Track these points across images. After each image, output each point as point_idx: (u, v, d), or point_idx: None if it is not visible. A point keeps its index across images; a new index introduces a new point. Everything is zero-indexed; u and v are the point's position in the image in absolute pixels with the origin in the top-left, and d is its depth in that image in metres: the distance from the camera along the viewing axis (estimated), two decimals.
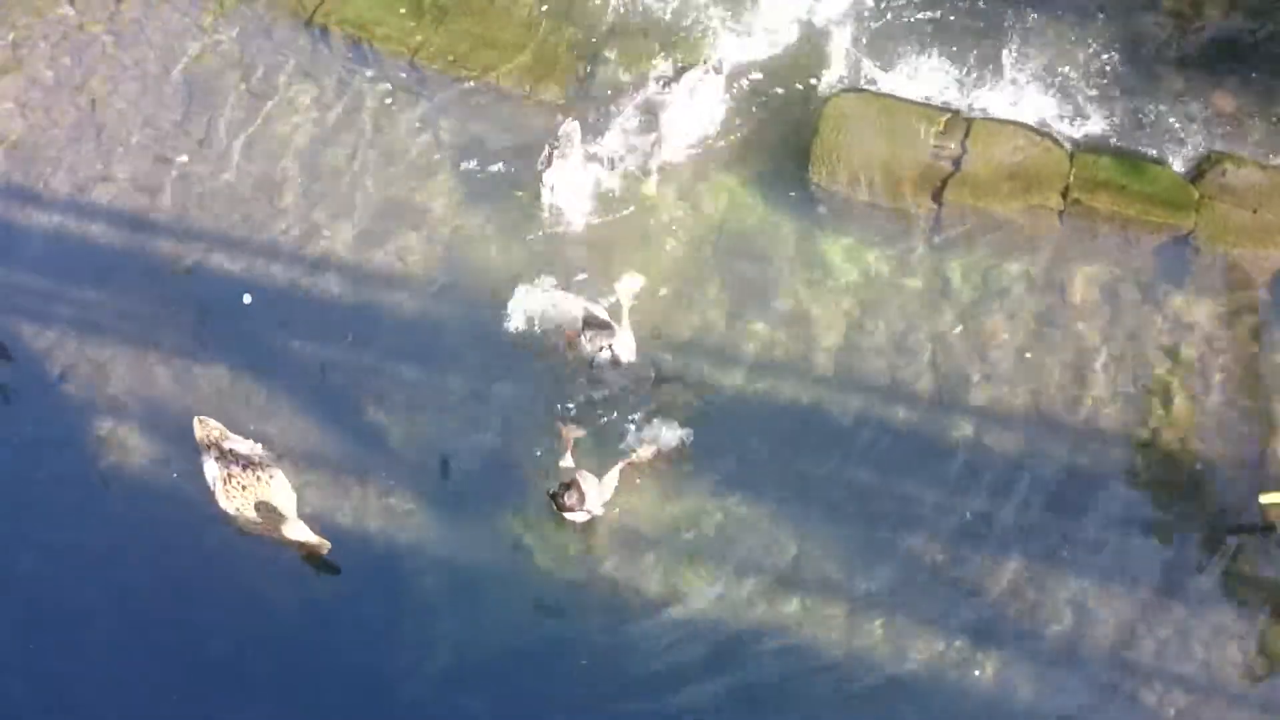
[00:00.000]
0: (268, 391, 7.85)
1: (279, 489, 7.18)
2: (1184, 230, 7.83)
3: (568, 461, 7.18)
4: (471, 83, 8.86)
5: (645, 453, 7.38)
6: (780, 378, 7.73)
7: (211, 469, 7.23)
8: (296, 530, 7.00)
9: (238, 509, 7.13)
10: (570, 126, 8.39)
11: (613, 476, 7.20)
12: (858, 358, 7.75)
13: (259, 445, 7.42)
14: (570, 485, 6.97)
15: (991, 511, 7.22)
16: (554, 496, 6.98)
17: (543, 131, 8.54)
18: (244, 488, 7.11)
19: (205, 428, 7.33)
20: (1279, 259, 7.73)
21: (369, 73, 8.97)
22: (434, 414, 7.71)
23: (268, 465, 7.23)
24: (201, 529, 7.40)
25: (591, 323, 7.44)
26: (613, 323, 7.46)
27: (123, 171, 8.74)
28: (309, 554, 7.18)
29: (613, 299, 7.79)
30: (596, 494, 7.04)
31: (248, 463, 7.17)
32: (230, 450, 7.23)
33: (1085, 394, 7.51)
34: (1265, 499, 7.12)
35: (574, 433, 7.36)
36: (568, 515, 7.03)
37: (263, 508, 7.09)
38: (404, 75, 8.97)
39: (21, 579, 7.41)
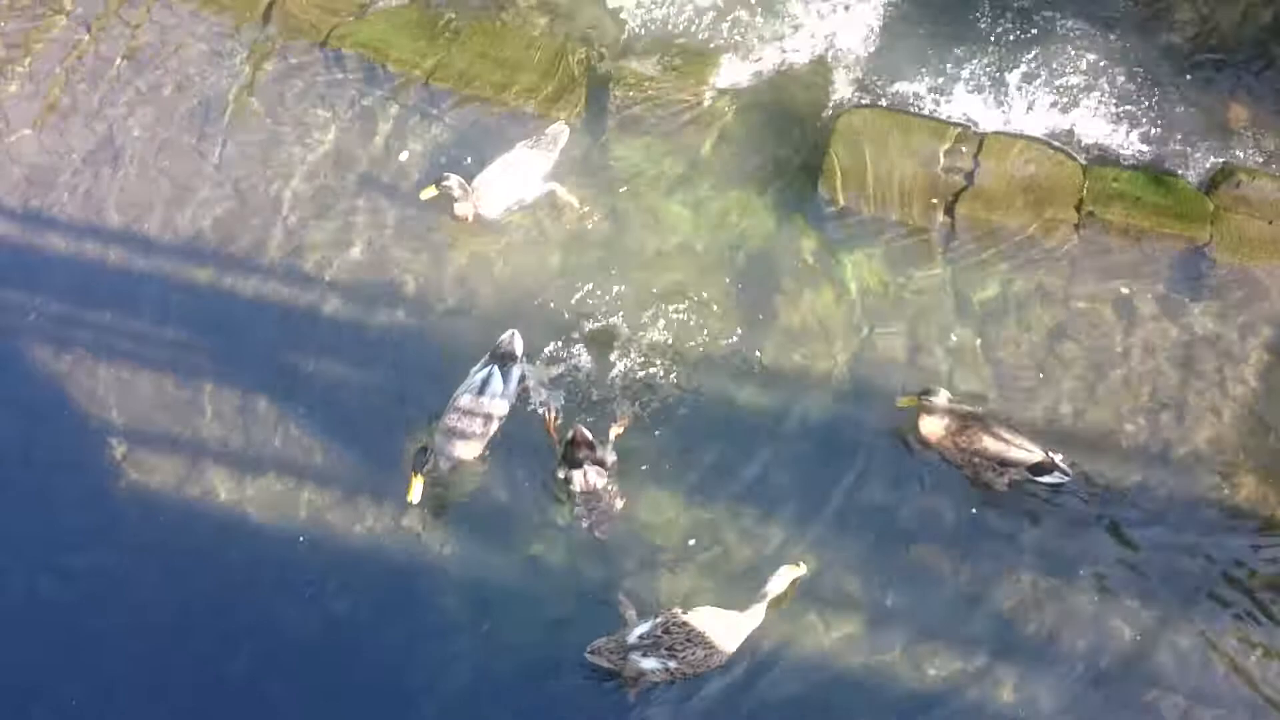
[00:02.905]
0: (283, 412, 7.86)
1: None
2: (1199, 242, 7.82)
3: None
4: (484, 103, 8.91)
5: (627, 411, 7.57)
6: (794, 391, 7.73)
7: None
8: None
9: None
10: (558, 128, 8.46)
11: (613, 434, 7.44)
12: (872, 371, 7.74)
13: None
14: (575, 440, 7.16)
15: (1007, 526, 7.20)
16: (565, 450, 7.19)
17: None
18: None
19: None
20: None
21: (382, 94, 9.03)
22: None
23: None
24: (217, 551, 7.43)
25: (581, 442, 7.33)
26: (600, 446, 7.39)
27: (138, 196, 8.79)
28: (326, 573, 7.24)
29: (615, 320, 7.88)
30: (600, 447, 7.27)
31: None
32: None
33: (1101, 408, 7.49)
34: (902, 402, 7.32)
35: (552, 413, 7.55)
36: (579, 476, 7.18)
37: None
38: (417, 96, 9.02)
39: (39, 602, 7.41)
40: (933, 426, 7.23)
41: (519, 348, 7.60)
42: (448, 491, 7.54)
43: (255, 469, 7.69)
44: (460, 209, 8.14)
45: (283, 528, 7.48)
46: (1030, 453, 7.02)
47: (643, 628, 6.74)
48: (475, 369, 7.55)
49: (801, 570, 6.92)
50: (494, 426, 7.44)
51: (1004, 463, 7.04)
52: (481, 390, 7.39)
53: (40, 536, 7.64)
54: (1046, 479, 7.07)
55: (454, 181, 8.07)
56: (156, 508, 7.61)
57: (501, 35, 9.23)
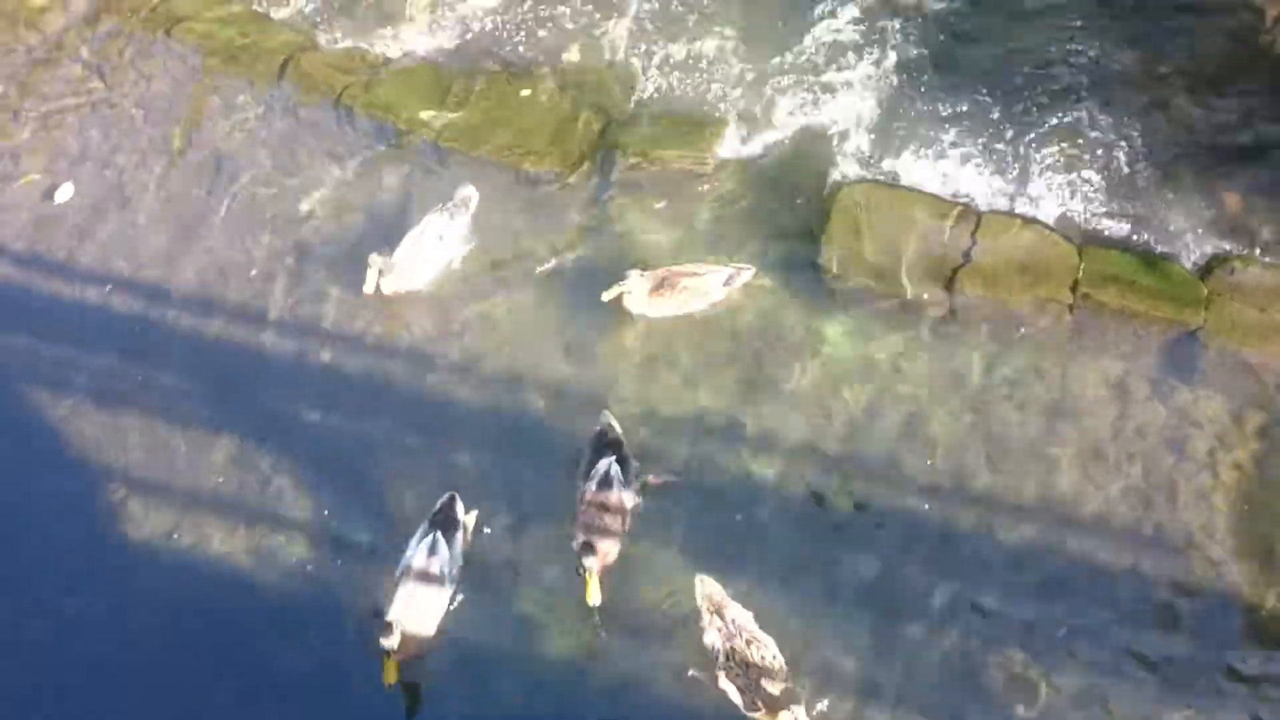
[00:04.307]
0: (279, 464, 7.88)
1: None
2: (1192, 327, 7.91)
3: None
4: (491, 164, 9.04)
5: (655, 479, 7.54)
6: (788, 461, 7.75)
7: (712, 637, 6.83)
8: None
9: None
10: (468, 191, 8.63)
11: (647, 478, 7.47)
12: (866, 443, 7.77)
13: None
14: (607, 437, 7.42)
15: (998, 602, 7.20)
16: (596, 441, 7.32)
17: (560, 208, 8.74)
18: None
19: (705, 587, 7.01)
20: None
21: (391, 152, 9.16)
22: (446, 490, 7.71)
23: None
24: (210, 601, 7.40)
25: (614, 441, 7.44)
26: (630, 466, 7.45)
27: (146, 244, 8.88)
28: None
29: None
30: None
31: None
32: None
33: (1094, 487, 7.53)
34: (606, 295, 7.96)
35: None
36: (605, 465, 7.23)
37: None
38: (426, 155, 9.16)
39: (32, 645, 7.38)
40: (639, 300, 8.15)
41: (460, 513, 7.33)
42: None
43: (248, 519, 7.69)
44: (384, 285, 8.24)
45: (275, 579, 7.47)
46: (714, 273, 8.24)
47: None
48: (415, 537, 7.21)
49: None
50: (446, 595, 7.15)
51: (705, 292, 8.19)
52: (431, 552, 7.10)
53: (33, 579, 7.61)
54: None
55: (374, 260, 8.19)
56: (150, 554, 7.60)
57: (511, 99, 9.38)
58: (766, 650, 6.72)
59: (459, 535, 7.26)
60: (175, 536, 7.64)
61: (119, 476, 7.87)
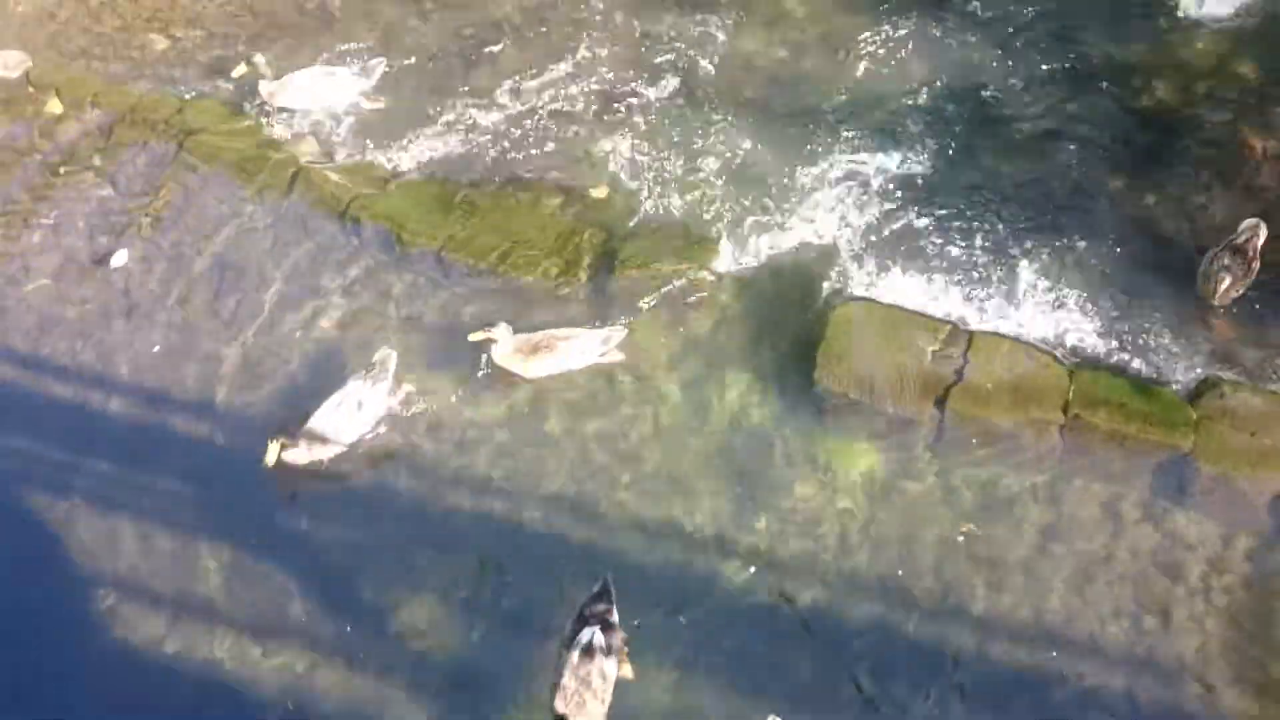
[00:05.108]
0: (270, 575, 7.86)
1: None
2: (1183, 450, 7.97)
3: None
4: (494, 276, 9.20)
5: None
6: (781, 576, 7.73)
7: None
8: None
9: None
10: (385, 353, 8.52)
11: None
12: (860, 561, 7.77)
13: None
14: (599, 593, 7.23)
15: None
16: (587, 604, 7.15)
17: (560, 318, 8.87)
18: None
19: None
20: (1278, 482, 7.83)
21: (397, 263, 9.32)
22: (438, 604, 7.71)
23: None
24: (194, 710, 7.34)
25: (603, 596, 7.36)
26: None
27: (149, 348, 8.99)
28: None
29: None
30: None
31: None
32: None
33: (1087, 609, 7.52)
34: (473, 336, 8.34)
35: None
36: (589, 635, 7.03)
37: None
38: (430, 266, 9.32)
39: None
40: (510, 357, 8.49)
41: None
42: (438, 662, 7.51)
43: (237, 629, 7.65)
44: (292, 457, 8.09)
45: (263, 691, 7.41)
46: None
47: None
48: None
49: None
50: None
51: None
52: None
53: (20, 683, 7.54)
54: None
55: (274, 440, 8.04)
56: (138, 662, 7.54)
57: (515, 212, 9.59)
58: None
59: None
60: (164, 644, 7.60)
61: (111, 582, 7.86)
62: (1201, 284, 8.61)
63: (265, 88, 10.35)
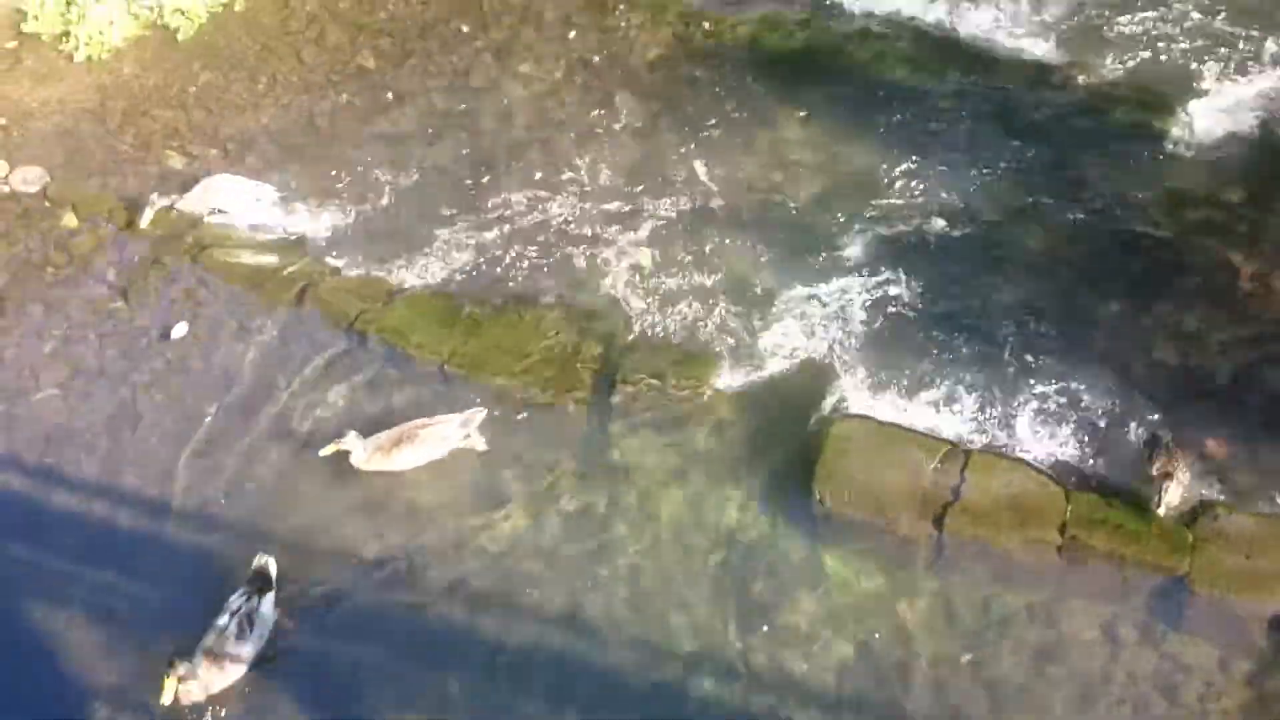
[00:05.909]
0: (267, 692, 7.84)
1: None
2: (1179, 572, 7.99)
3: None
4: (496, 389, 9.32)
5: None
6: (779, 696, 7.70)
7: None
8: None
9: None
10: (264, 560, 8.16)
11: None
12: (858, 680, 7.74)
13: None
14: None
15: None
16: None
17: (558, 439, 8.96)
18: None
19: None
20: (1273, 605, 7.84)
21: (400, 376, 9.47)
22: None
23: None
24: None
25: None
26: None
27: (153, 462, 9.07)
28: None
29: None
30: None
31: None
32: None
33: None
34: (323, 452, 8.49)
35: None
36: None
37: None
38: (433, 379, 9.46)
39: None
40: (372, 459, 8.64)
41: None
42: None
43: None
44: (189, 693, 7.64)
45: None
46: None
47: None
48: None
49: None
50: None
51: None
52: None
53: None
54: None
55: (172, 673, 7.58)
56: None
57: (517, 327, 9.76)
58: None
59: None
60: None
61: (104, 697, 7.81)
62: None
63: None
